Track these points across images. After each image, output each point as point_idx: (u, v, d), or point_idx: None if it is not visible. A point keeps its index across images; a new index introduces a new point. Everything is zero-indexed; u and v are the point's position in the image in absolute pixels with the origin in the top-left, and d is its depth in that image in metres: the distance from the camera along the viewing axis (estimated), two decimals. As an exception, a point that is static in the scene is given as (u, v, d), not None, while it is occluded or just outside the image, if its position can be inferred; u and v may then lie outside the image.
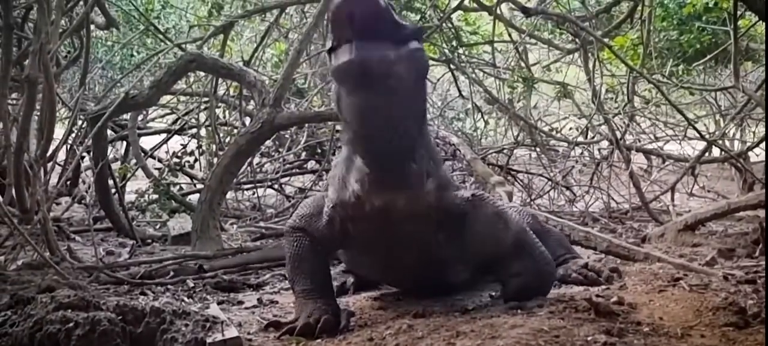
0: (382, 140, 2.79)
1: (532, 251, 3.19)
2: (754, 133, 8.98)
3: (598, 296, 3.09)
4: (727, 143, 8.40)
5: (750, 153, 7.50)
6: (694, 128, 6.63)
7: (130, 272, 4.26)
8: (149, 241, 5.71)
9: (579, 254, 4.06)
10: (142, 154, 7.66)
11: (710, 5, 7.06)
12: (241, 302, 3.70)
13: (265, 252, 4.77)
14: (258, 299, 3.69)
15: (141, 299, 3.71)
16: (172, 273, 4.25)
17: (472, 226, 3.11)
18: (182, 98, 8.19)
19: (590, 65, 6.70)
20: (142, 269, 4.28)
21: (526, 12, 5.43)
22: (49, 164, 4.84)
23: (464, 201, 3.12)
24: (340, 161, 3.10)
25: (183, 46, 5.85)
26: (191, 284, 4.06)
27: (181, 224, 5.80)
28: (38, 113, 4.42)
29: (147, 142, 8.51)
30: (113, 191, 5.84)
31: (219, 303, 3.65)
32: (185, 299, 3.79)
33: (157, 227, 6.29)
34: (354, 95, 2.72)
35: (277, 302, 3.65)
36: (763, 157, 8.43)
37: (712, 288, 3.33)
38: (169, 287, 4.06)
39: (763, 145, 7.43)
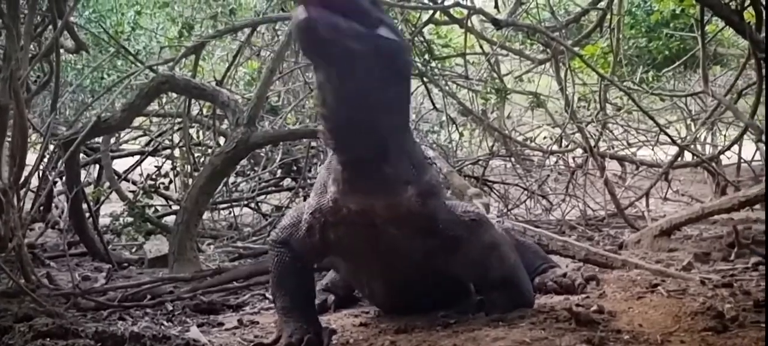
0: (350, 129, 2.72)
1: (518, 288, 3.21)
2: (724, 136, 9.10)
3: (578, 305, 3.11)
4: (699, 147, 8.52)
5: (721, 156, 7.59)
6: (666, 134, 6.72)
7: (107, 296, 4.22)
8: (126, 264, 5.66)
9: (556, 263, 4.08)
10: (116, 176, 7.59)
11: (677, 12, 7.17)
12: (221, 324, 3.66)
13: (244, 269, 4.73)
14: (238, 320, 3.64)
15: (120, 324, 3.67)
16: (149, 296, 4.21)
17: (465, 251, 3.11)
18: (155, 119, 8.13)
19: (562, 75, 6.76)
20: (120, 294, 4.24)
21: (497, 24, 5.46)
22: (22, 191, 4.79)
23: (460, 222, 3.10)
24: (323, 168, 3.10)
25: (154, 67, 5.80)
26: (170, 307, 4.02)
27: (158, 246, 5.75)
28: (9, 140, 4.38)
29: (120, 165, 8.43)
30: (87, 215, 5.78)
31: (199, 325, 3.62)
32: (164, 322, 3.75)
33: (133, 250, 6.23)
34: (317, 70, 2.67)
35: (257, 323, 3.61)
36: (734, 159, 8.56)
37: (690, 293, 3.38)
38: (147, 310, 4.02)
39: (734, 148, 7.56)
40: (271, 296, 3.86)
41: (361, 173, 2.84)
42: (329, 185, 2.95)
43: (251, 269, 4.64)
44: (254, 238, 6.59)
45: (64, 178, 5.88)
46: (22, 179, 4.53)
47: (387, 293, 3.44)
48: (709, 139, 9.34)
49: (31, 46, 4.84)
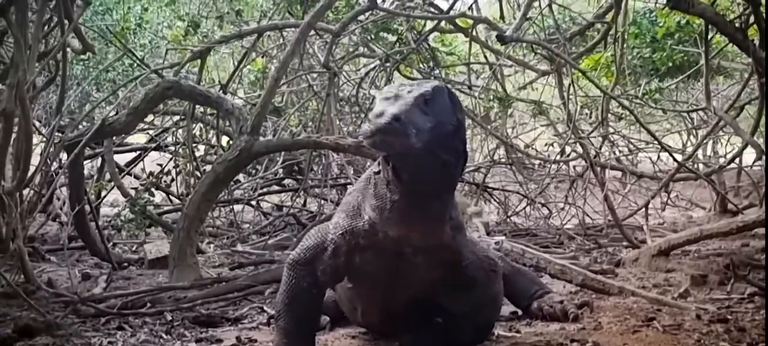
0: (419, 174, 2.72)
1: (489, 329, 3.41)
2: (726, 145, 9.09)
3: (573, 339, 3.15)
4: (700, 155, 8.51)
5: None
6: (666, 149, 6.70)
7: (106, 303, 4.24)
8: (126, 264, 5.70)
9: (550, 289, 4.12)
10: (118, 171, 7.61)
11: (682, 23, 7.16)
12: (219, 341, 3.66)
13: (242, 280, 4.75)
14: (237, 338, 3.65)
15: (118, 334, 3.70)
16: (149, 304, 4.25)
17: (474, 293, 3.21)
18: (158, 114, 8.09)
19: (565, 84, 6.75)
20: (119, 301, 4.27)
21: (503, 40, 5.44)
22: (26, 191, 4.82)
23: (480, 266, 3.24)
24: (356, 189, 3.10)
25: (160, 71, 5.78)
26: (169, 317, 4.04)
27: (158, 247, 5.79)
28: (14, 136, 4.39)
29: (122, 159, 8.41)
30: (87, 209, 5.78)
31: (197, 341, 3.64)
32: (163, 334, 3.77)
33: (134, 248, 6.26)
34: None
35: (256, 341, 3.63)
36: (734, 164, 8.55)
37: (685, 329, 3.40)
38: (146, 319, 4.04)
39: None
40: (272, 312, 3.86)
41: (418, 206, 2.83)
42: (366, 210, 2.95)
43: (249, 280, 4.67)
44: (254, 240, 6.63)
45: (66, 174, 5.89)
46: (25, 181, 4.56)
47: (385, 316, 3.43)
48: (710, 148, 9.31)
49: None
